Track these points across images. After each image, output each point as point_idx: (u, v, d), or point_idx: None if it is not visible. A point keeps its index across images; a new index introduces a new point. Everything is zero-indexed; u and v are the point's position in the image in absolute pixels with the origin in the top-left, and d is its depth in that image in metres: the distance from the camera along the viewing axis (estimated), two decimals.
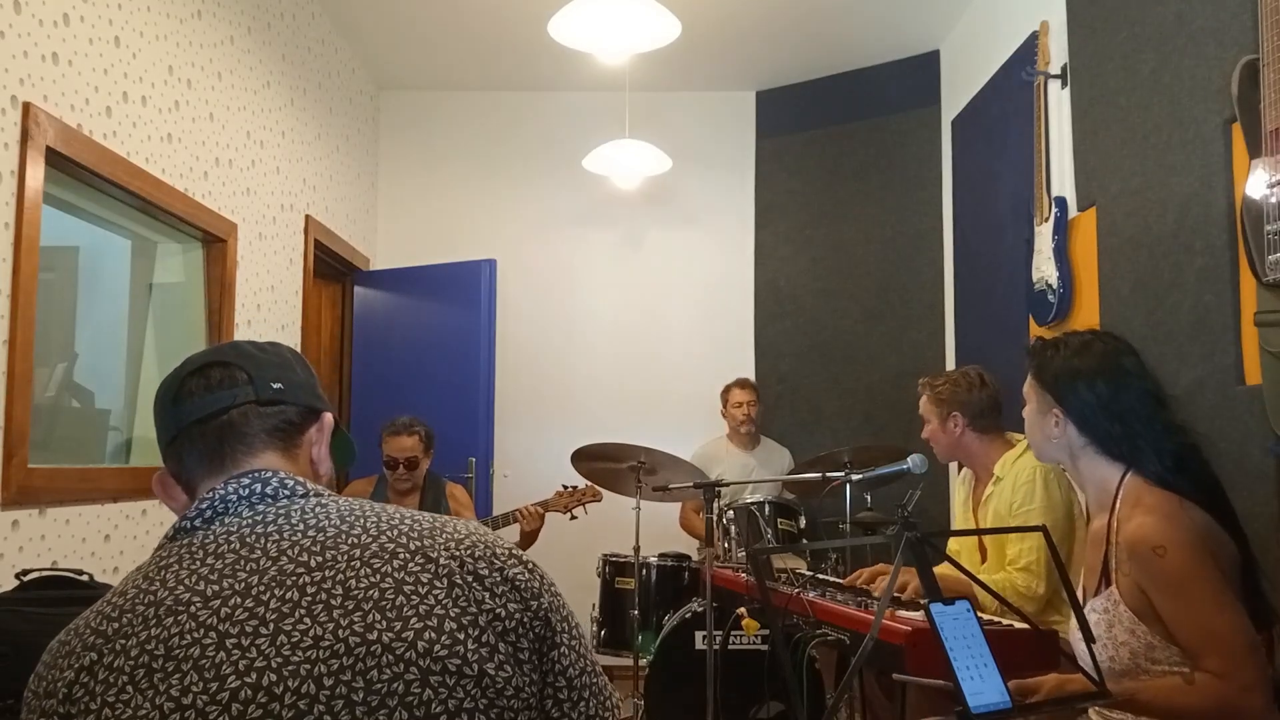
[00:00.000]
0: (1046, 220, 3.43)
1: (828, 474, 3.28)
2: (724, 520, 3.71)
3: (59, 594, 2.17)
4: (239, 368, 1.09)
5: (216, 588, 0.93)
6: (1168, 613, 1.63)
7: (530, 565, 1.02)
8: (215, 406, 1.06)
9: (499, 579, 0.98)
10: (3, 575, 2.39)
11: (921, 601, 2.15)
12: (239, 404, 1.07)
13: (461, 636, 0.92)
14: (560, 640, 1.00)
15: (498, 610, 0.96)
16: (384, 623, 0.91)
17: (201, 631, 0.90)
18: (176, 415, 1.07)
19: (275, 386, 1.10)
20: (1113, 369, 1.83)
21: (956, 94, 4.79)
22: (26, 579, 2.19)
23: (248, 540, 0.97)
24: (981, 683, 1.20)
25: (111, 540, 2.94)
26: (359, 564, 0.95)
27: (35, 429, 2.60)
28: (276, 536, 0.97)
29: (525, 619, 0.97)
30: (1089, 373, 1.82)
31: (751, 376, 5.21)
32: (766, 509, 3.77)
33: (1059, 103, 3.46)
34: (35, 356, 2.57)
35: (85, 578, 2.25)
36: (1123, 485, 1.76)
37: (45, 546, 2.63)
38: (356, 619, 0.91)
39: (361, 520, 1.00)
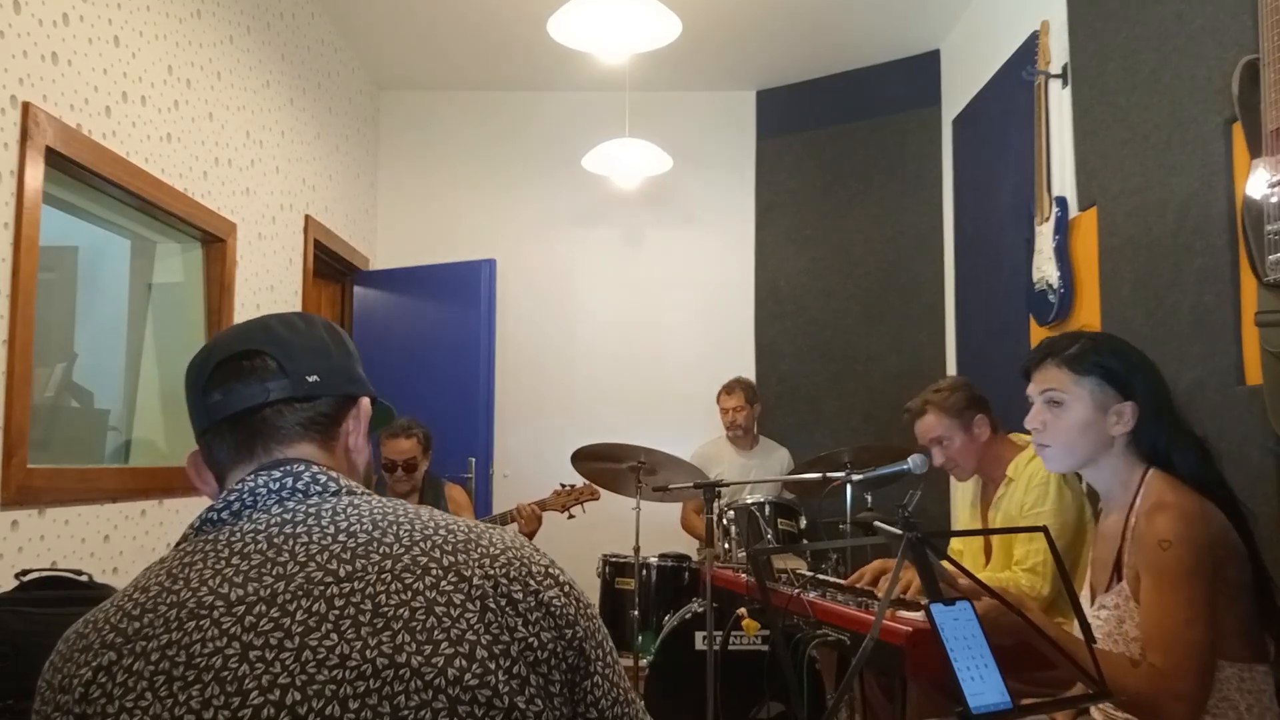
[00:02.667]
0: (1047, 220, 3.42)
1: (828, 474, 3.28)
2: (724, 520, 3.71)
3: (58, 594, 2.17)
4: (270, 356, 1.04)
5: (241, 592, 0.90)
6: (1145, 598, 1.64)
7: (567, 587, 0.98)
8: (247, 404, 1.02)
9: (533, 604, 0.94)
10: (2, 575, 2.39)
11: (922, 602, 2.15)
12: (272, 402, 1.03)
13: (492, 666, 0.89)
14: (594, 669, 0.96)
15: (530, 640, 0.92)
16: (414, 645, 0.88)
17: (224, 640, 0.87)
18: (207, 407, 1.04)
19: (311, 380, 1.05)
20: (1153, 364, 1.82)
21: (957, 94, 4.79)
22: (26, 579, 2.19)
23: (275, 541, 0.94)
24: (982, 683, 1.20)
25: (111, 540, 2.94)
26: (390, 578, 0.91)
27: (35, 429, 2.60)
28: (305, 539, 0.94)
29: (559, 649, 0.93)
30: (1148, 368, 1.80)
31: (752, 376, 5.20)
32: (767, 509, 3.76)
33: (1059, 102, 3.46)
34: (35, 356, 2.57)
35: (84, 578, 2.25)
36: (1144, 482, 1.76)
37: (45, 547, 2.62)
38: (385, 639, 0.88)
39: (394, 528, 0.96)
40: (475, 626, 0.90)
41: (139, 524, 3.10)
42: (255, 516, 0.96)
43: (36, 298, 2.56)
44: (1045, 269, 3.41)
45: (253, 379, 1.03)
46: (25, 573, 2.21)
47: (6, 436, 2.44)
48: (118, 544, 2.98)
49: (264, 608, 0.89)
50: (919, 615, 2.06)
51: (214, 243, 3.62)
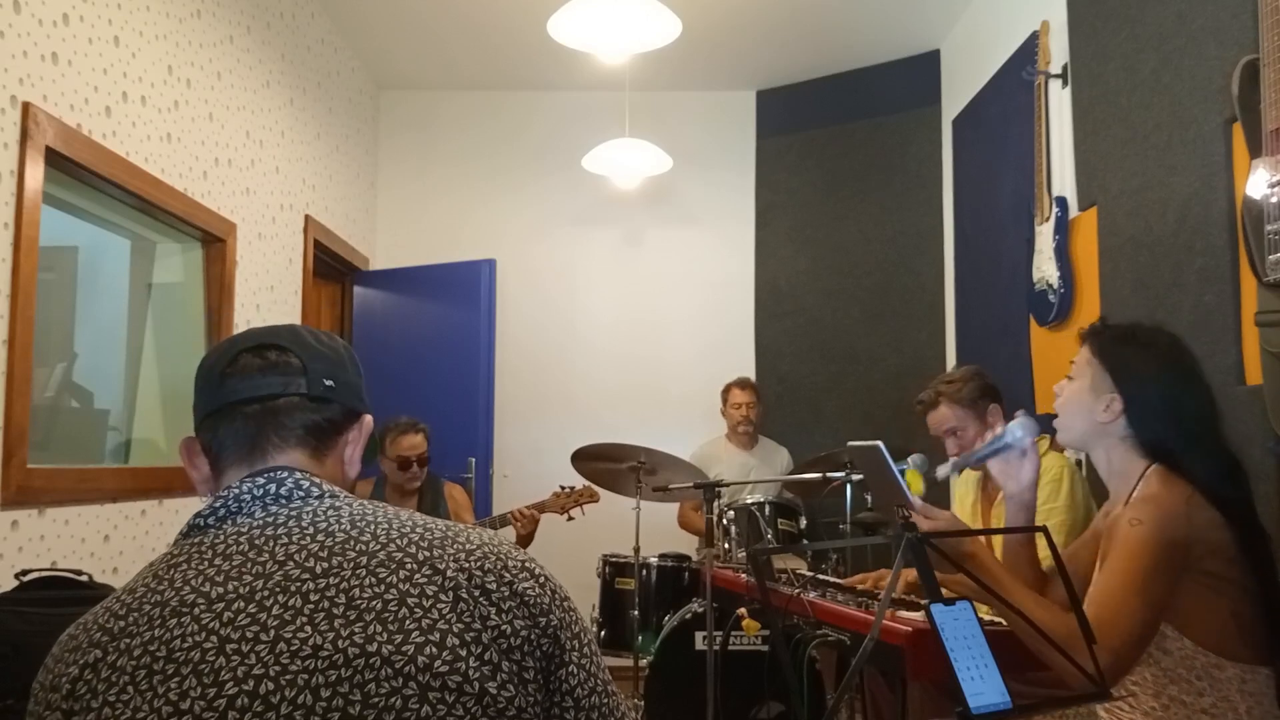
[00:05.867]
0: (1047, 220, 3.42)
1: (828, 474, 3.28)
2: (724, 520, 3.71)
3: (58, 594, 2.17)
4: (295, 354, 1.08)
5: (221, 590, 0.93)
6: (1104, 568, 1.66)
7: (542, 579, 1.00)
8: (266, 391, 1.05)
9: (507, 594, 0.96)
10: (2, 575, 2.39)
11: (922, 602, 2.15)
12: (289, 394, 1.06)
13: (463, 653, 0.91)
14: (569, 659, 0.98)
15: (503, 627, 0.94)
16: (384, 635, 0.90)
17: (203, 635, 0.90)
18: (223, 389, 1.06)
19: (328, 383, 1.08)
20: (1182, 372, 1.81)
21: (957, 94, 4.79)
22: (26, 579, 2.19)
23: (256, 542, 0.97)
24: (982, 683, 1.20)
25: (111, 540, 2.94)
26: (364, 572, 0.94)
27: (35, 429, 2.60)
28: (285, 540, 0.97)
29: (532, 636, 0.95)
30: (1157, 371, 1.80)
31: (752, 376, 5.20)
32: (767, 509, 3.76)
33: (1059, 102, 3.46)
34: (35, 356, 2.56)
35: (84, 578, 2.25)
36: (1144, 477, 1.77)
37: (45, 547, 2.62)
38: (357, 629, 0.90)
39: (371, 526, 0.99)
40: (447, 616, 0.92)
41: (139, 524, 3.10)
42: (239, 521, 1.00)
43: (36, 298, 2.56)
44: (1045, 269, 3.41)
45: (273, 371, 1.07)
46: (25, 573, 2.21)
47: (6, 436, 2.44)
48: (118, 544, 2.97)
49: (242, 604, 0.92)
50: (919, 615, 2.06)
51: (214, 243, 3.62)
